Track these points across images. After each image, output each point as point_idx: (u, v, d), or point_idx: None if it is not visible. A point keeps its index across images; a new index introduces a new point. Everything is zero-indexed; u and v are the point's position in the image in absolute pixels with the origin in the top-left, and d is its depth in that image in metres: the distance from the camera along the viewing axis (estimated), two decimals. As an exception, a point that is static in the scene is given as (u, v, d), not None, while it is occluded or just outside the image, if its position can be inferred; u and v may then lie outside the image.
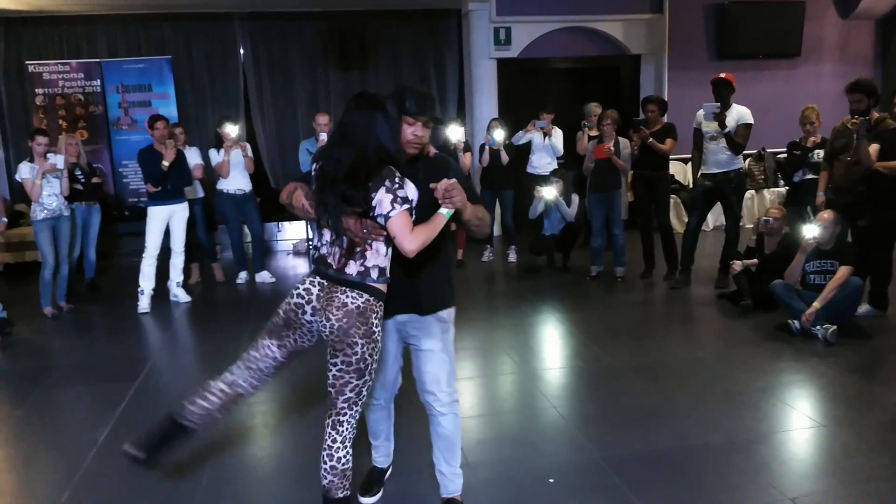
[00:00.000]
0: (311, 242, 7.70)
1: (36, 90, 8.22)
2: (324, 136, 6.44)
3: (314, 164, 2.38)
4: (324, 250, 2.36)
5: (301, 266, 7.96)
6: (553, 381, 4.25)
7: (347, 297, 2.27)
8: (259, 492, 3.08)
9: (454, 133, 6.85)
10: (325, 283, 2.32)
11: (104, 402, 4.06)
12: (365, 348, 2.28)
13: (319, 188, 2.30)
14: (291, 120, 9.13)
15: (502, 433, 3.55)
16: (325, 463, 2.38)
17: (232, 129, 6.58)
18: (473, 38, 8.73)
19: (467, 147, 7.02)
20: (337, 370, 2.30)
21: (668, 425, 3.51)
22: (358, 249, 2.29)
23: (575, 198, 6.86)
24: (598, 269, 6.59)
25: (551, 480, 3.01)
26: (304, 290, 2.35)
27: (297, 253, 8.61)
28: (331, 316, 2.27)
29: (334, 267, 2.32)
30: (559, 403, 3.85)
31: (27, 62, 8.24)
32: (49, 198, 5.78)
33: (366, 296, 2.28)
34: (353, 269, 2.29)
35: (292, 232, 8.91)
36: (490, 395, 4.13)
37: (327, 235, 2.34)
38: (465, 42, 9.07)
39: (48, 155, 5.78)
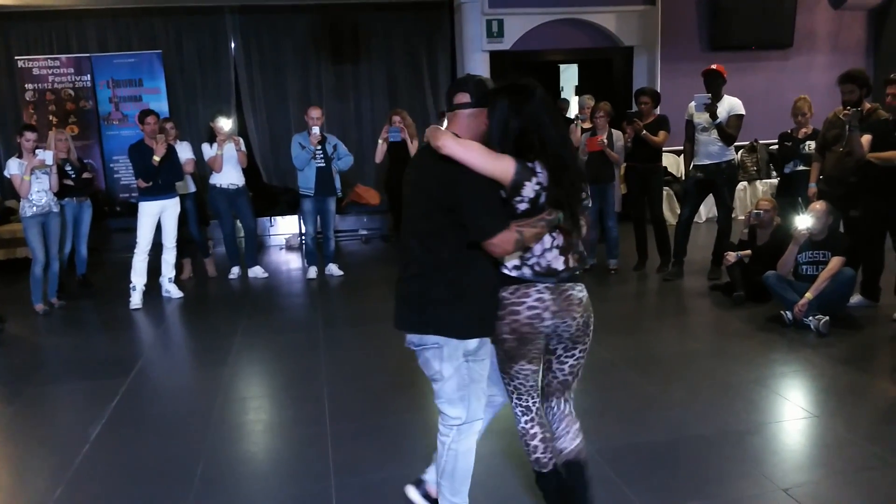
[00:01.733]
0: (303, 237, 7.68)
1: (25, 85, 8.16)
2: (316, 130, 6.41)
3: (533, 182, 2.19)
4: (549, 256, 2.26)
5: (294, 261, 7.94)
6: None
7: (578, 291, 2.37)
8: (252, 487, 3.07)
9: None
10: (554, 286, 2.29)
11: (96, 399, 4.04)
12: None
13: (564, 192, 2.23)
14: (283, 114, 9.09)
15: (495, 426, 3.53)
16: (579, 436, 2.46)
17: (225, 124, 6.55)
18: (466, 30, 8.70)
19: None
20: (575, 360, 2.45)
21: (661, 417, 3.52)
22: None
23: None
24: (592, 262, 6.59)
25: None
26: (535, 300, 2.26)
27: (289, 248, 8.58)
28: (575, 314, 2.34)
29: (564, 267, 2.29)
30: (553, 396, 3.84)
31: (16, 57, 8.17)
32: (38, 194, 5.74)
33: (581, 285, 2.39)
34: (571, 262, 2.33)
35: (285, 227, 8.88)
36: (484, 389, 4.12)
37: (547, 241, 2.26)
38: (457, 34, 9.03)
39: (37, 151, 5.74)
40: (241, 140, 6.83)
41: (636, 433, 3.35)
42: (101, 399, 4.03)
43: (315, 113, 6.49)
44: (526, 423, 2.44)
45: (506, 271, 2.27)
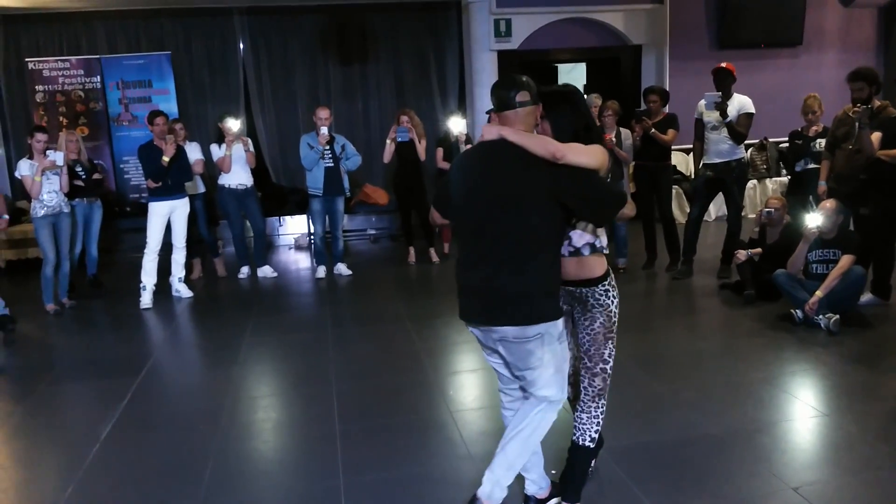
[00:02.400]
0: (312, 237, 7.70)
1: (36, 87, 8.21)
2: (324, 131, 6.44)
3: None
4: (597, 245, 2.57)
5: (303, 260, 7.96)
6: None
7: None
8: (262, 486, 3.08)
9: (456, 125, 6.85)
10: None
11: (107, 399, 4.07)
12: None
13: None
14: (292, 114, 9.12)
15: (503, 425, 3.54)
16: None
17: (234, 124, 6.58)
18: (474, 30, 8.70)
19: (469, 140, 7.00)
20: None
21: (670, 416, 3.51)
22: None
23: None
24: (600, 261, 6.56)
25: (554, 472, 3.01)
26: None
27: (298, 247, 8.61)
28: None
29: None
30: (561, 395, 3.84)
31: (27, 59, 8.22)
32: (49, 195, 5.78)
33: None
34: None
35: (294, 226, 8.91)
36: (491, 388, 4.11)
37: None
38: (465, 34, 9.03)
39: (48, 152, 5.78)
40: (250, 140, 6.86)
41: (645, 432, 3.34)
42: (112, 398, 4.05)
43: (323, 113, 6.51)
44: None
45: (590, 252, 2.52)
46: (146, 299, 6.04)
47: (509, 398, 2.71)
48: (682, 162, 8.79)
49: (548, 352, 2.45)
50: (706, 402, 3.65)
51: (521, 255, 2.36)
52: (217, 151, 6.61)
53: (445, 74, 9.33)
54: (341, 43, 8.99)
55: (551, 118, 2.46)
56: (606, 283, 2.57)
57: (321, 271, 6.91)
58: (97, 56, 8.38)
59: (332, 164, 6.60)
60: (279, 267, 7.41)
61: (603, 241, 2.57)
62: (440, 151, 7.01)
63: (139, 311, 5.96)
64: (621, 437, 3.29)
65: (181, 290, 6.31)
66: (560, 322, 2.47)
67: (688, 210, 7.29)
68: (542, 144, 2.31)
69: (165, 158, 5.91)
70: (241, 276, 6.97)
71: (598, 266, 2.55)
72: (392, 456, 3.22)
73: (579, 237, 2.51)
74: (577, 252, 2.51)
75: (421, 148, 6.88)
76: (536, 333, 2.40)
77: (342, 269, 6.93)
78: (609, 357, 2.63)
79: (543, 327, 2.40)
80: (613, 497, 2.81)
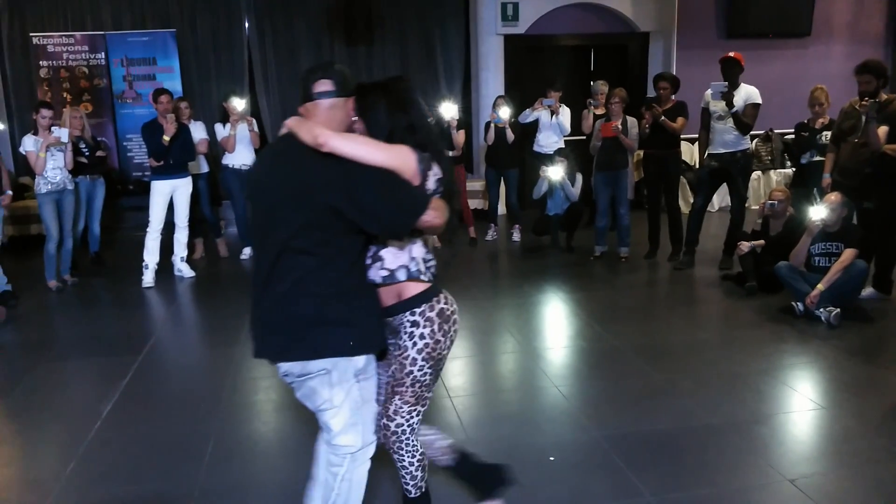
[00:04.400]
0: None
1: (40, 62, 8.17)
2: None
3: (433, 173, 2.11)
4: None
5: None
6: (555, 361, 4.26)
7: None
8: (261, 466, 3.11)
9: (447, 110, 6.83)
10: None
11: (108, 376, 4.09)
12: None
13: (454, 193, 2.24)
14: (296, 94, 8.99)
15: (503, 411, 3.57)
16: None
17: (238, 104, 6.55)
18: (480, 13, 8.64)
19: (460, 125, 6.98)
20: None
21: (669, 405, 3.52)
22: None
23: (579, 177, 6.83)
24: (603, 249, 6.58)
25: (552, 458, 3.03)
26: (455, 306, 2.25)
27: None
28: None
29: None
30: (561, 383, 3.86)
31: (31, 34, 8.18)
32: (53, 171, 5.78)
33: None
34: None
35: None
36: (490, 374, 4.14)
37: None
38: (471, 17, 8.98)
39: (52, 128, 5.77)
40: (254, 121, 6.83)
41: (644, 421, 3.36)
42: (114, 376, 4.08)
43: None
44: (419, 445, 2.29)
45: (405, 277, 2.10)
46: (148, 278, 6.05)
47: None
48: (687, 151, 8.75)
49: (339, 392, 2.07)
50: (705, 392, 3.67)
51: (302, 274, 1.97)
52: (221, 131, 6.60)
53: (451, 58, 9.27)
54: (347, 24, 8.93)
55: (366, 114, 2.08)
56: (419, 312, 2.12)
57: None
58: (102, 32, 8.33)
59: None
60: (281, 248, 7.40)
61: (422, 266, 2.13)
62: None
63: (141, 290, 5.98)
64: (619, 425, 3.31)
65: (183, 269, 6.32)
66: (360, 358, 2.08)
67: (691, 200, 7.26)
68: (310, 130, 1.94)
69: (166, 137, 5.89)
70: (243, 256, 6.97)
71: (408, 289, 2.12)
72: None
73: (393, 258, 2.10)
74: (391, 276, 2.10)
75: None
76: (321, 369, 2.03)
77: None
78: (399, 414, 2.17)
79: (330, 362, 2.03)
80: (610, 484, 2.83)
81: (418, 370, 2.15)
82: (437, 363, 2.18)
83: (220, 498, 2.83)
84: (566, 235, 6.94)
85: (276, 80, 9.00)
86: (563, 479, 2.88)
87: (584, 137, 7.06)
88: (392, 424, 2.19)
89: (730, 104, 5.64)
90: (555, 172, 6.58)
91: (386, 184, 1.94)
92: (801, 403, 3.57)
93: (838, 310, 4.56)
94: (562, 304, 5.39)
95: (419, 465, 2.28)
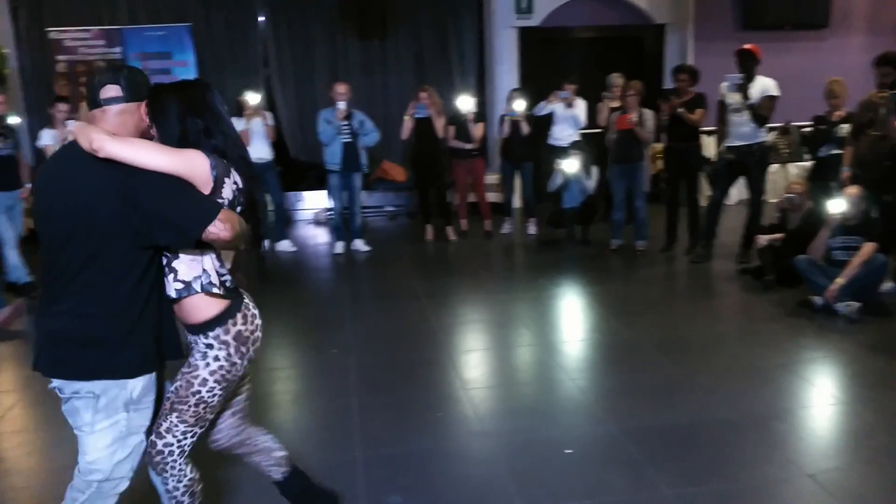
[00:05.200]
0: (330, 212, 7.70)
1: (57, 57, 8.23)
2: (342, 106, 6.43)
3: (230, 181, 1.99)
4: (229, 275, 2.07)
5: (321, 235, 7.99)
6: (571, 354, 4.25)
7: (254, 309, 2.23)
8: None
9: (464, 103, 6.82)
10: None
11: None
12: None
13: (254, 202, 2.14)
14: (311, 89, 9.08)
15: (518, 404, 3.57)
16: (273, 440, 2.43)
17: (252, 98, 6.58)
18: (494, 6, 8.60)
19: (479, 118, 6.96)
20: (249, 380, 2.33)
21: (686, 400, 3.51)
22: None
23: (594, 170, 6.80)
24: (619, 243, 6.55)
25: (568, 451, 3.03)
26: (258, 322, 2.17)
27: (317, 222, 8.62)
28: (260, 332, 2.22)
29: (236, 286, 2.11)
30: (577, 376, 3.86)
31: (48, 29, 8.23)
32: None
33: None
34: (237, 282, 2.15)
35: (313, 201, 8.92)
36: (506, 367, 4.14)
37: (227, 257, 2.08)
38: (485, 10, 8.94)
39: (69, 122, 5.81)
40: (269, 114, 6.85)
41: (661, 415, 3.35)
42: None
43: (341, 88, 6.50)
44: (189, 469, 2.13)
45: (199, 290, 1.97)
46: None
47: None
48: (704, 144, 8.69)
49: (102, 420, 1.95)
50: (723, 386, 3.65)
51: (81, 289, 1.89)
52: (236, 125, 6.62)
53: (465, 51, 9.24)
54: (361, 17, 8.92)
55: (158, 118, 1.97)
56: (212, 335, 1.99)
57: (339, 247, 6.94)
58: (118, 27, 8.38)
59: (350, 140, 6.60)
60: (298, 241, 7.44)
61: (214, 279, 1.98)
62: (451, 130, 7.01)
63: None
64: (637, 419, 3.30)
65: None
66: (134, 386, 1.96)
67: (708, 193, 7.21)
68: (87, 135, 1.83)
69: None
70: (278, 248, 7.01)
71: (206, 308, 1.98)
72: (409, 431, 3.26)
73: (188, 269, 1.96)
74: (187, 287, 1.96)
75: (440, 125, 6.86)
76: (89, 392, 1.93)
77: (360, 245, 6.95)
78: (172, 433, 2.03)
79: (100, 386, 1.92)
80: (627, 477, 2.83)
81: (207, 391, 2.02)
82: (228, 385, 2.06)
83: (237, 486, 2.85)
84: (582, 228, 6.92)
85: (291, 74, 9.02)
86: (580, 472, 2.89)
87: (600, 130, 7.04)
88: (160, 443, 2.04)
89: (745, 96, 5.59)
90: (570, 165, 6.56)
91: (167, 189, 1.83)
92: (820, 398, 3.55)
93: (858, 304, 4.52)
94: (578, 298, 5.38)
95: (186, 491, 2.11)
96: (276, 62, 8.93)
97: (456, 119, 7.02)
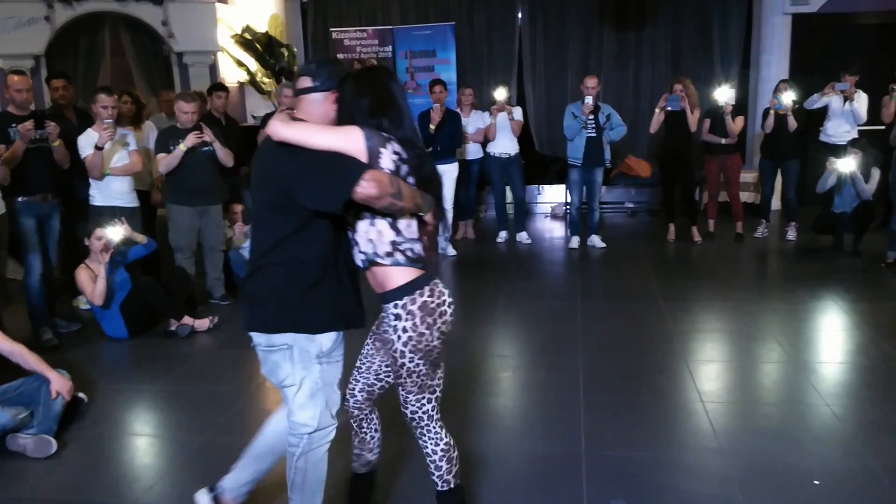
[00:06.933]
0: (568, 207, 7.71)
1: (338, 55, 9.18)
2: (589, 100, 6.39)
3: (389, 150, 2.11)
4: (418, 246, 2.18)
5: (557, 229, 8.03)
6: (829, 377, 3.81)
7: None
8: (505, 442, 3.21)
9: (722, 94, 6.53)
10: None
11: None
12: None
13: (429, 175, 2.25)
14: (562, 84, 9.13)
15: (762, 424, 3.30)
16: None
17: (499, 93, 6.81)
18: (767, -8, 7.93)
19: (738, 111, 6.57)
20: None
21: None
22: None
23: (875, 172, 6.00)
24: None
25: (816, 482, 2.74)
26: (448, 297, 2.23)
27: (554, 216, 8.68)
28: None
29: (430, 260, 2.24)
30: (834, 402, 3.45)
31: (331, 29, 9.22)
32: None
33: None
34: (433, 256, 2.30)
35: (552, 195, 8.99)
36: (750, 382, 3.84)
37: (415, 227, 2.19)
38: (756, -3, 8.28)
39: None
40: (516, 109, 7.01)
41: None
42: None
43: (591, 82, 6.45)
44: (444, 434, 2.29)
45: (379, 260, 2.10)
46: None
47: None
48: None
49: (299, 371, 2.16)
50: None
51: (272, 253, 2.13)
52: (483, 120, 6.95)
53: (729, 40, 8.64)
54: (619, 8, 8.76)
55: (338, 103, 2.16)
56: (400, 305, 2.11)
57: (575, 241, 6.92)
58: (390, 27, 9.12)
59: (595, 135, 6.53)
60: (534, 234, 7.55)
61: (389, 248, 2.10)
62: (707, 123, 6.66)
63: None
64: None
65: (447, 248, 6.74)
66: (323, 338, 2.15)
67: None
68: (270, 125, 2.08)
69: (432, 126, 6.34)
70: (499, 239, 7.24)
71: (394, 277, 2.11)
72: (633, 436, 3.16)
73: (365, 241, 2.12)
74: (367, 259, 2.13)
75: (693, 118, 6.52)
76: (283, 343, 2.14)
77: (596, 241, 6.86)
78: (409, 404, 2.23)
79: (291, 338, 2.13)
80: None
81: (409, 362, 2.15)
82: (426, 354, 2.16)
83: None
84: (854, 237, 6.14)
85: (543, 70, 9.14)
86: (828, 507, 2.59)
87: (884, 127, 6.19)
88: (407, 412, 2.25)
89: None
90: (845, 165, 5.86)
91: (320, 161, 2.01)
92: None
93: None
94: (842, 315, 4.80)
95: (443, 456, 2.26)
96: (531, 57, 9.11)
97: (712, 112, 6.64)
